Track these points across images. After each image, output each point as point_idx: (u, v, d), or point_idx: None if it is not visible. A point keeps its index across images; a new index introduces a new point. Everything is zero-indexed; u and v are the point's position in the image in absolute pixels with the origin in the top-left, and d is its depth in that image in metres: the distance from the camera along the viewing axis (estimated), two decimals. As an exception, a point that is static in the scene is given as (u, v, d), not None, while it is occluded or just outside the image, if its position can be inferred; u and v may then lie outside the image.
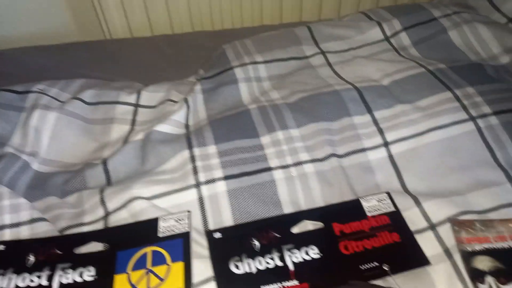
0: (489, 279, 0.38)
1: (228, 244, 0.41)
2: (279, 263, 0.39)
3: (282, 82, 0.60)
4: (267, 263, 0.39)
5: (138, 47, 0.83)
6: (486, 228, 0.41)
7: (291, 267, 0.39)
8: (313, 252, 0.40)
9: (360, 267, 0.39)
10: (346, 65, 0.62)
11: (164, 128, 0.52)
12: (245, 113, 0.53)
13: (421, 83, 0.55)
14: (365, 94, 0.54)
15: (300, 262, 0.39)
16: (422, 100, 0.53)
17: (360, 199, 0.44)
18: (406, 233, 0.42)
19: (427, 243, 0.41)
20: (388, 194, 0.45)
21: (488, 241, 0.40)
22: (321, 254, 0.40)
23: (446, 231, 0.42)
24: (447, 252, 0.41)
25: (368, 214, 0.43)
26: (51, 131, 0.55)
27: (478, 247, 0.40)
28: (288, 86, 0.58)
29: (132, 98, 0.61)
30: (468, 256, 0.39)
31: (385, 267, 0.39)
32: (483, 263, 0.39)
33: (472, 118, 0.50)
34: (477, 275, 0.38)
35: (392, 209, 0.44)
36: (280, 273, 0.38)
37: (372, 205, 0.44)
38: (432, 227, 0.42)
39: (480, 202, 0.44)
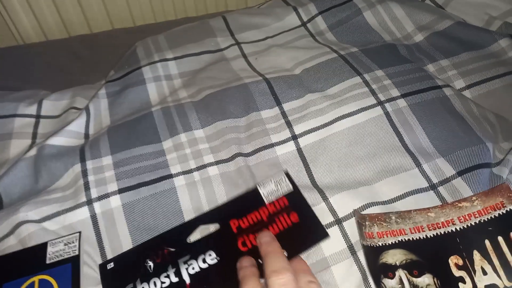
0: (400, 272, 0.36)
1: (121, 272, 0.38)
2: (175, 279, 0.36)
3: (193, 79, 0.56)
4: (163, 282, 0.36)
5: (52, 50, 0.78)
6: (403, 220, 0.40)
7: (187, 280, 0.36)
8: (210, 258, 0.37)
9: (259, 260, 0.36)
10: (261, 55, 0.59)
11: (57, 141, 0.48)
12: (147, 116, 0.50)
13: (332, 70, 0.53)
14: (275, 85, 0.52)
15: (197, 273, 0.36)
16: (332, 88, 0.51)
17: (258, 186, 0.41)
18: (304, 209, 0.39)
19: (333, 240, 0.40)
20: (286, 173, 0.41)
21: (404, 233, 0.39)
22: (218, 258, 0.37)
23: (351, 226, 0.41)
24: (351, 248, 0.39)
25: (267, 200, 0.40)
26: None
27: (391, 240, 0.38)
28: (198, 83, 0.55)
29: (32, 109, 0.56)
30: (376, 252, 0.38)
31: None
32: (394, 256, 0.37)
33: (380, 103, 0.48)
34: (385, 270, 0.37)
35: (290, 188, 0.40)
36: None
37: (270, 190, 0.40)
38: (338, 221, 0.41)
39: (386, 191, 0.42)
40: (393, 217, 0.40)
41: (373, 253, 0.38)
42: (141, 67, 0.58)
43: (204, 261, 0.37)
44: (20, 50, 0.80)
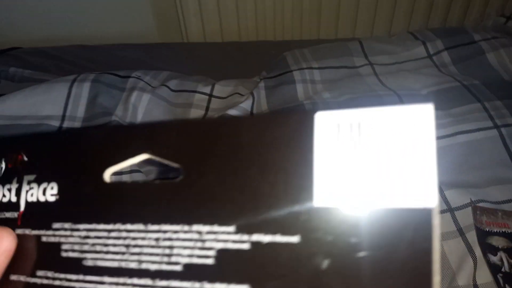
0: (502, 254, 0.46)
1: None
2: (14, 198, 0.24)
3: (333, 85, 0.71)
4: (4, 195, 0.24)
5: (211, 50, 0.98)
6: (508, 217, 0.49)
7: (22, 207, 0.24)
8: (51, 193, 0.22)
9: None
10: (390, 76, 0.72)
11: (233, 112, 0.65)
12: (301, 106, 0.65)
13: (455, 95, 0.63)
14: (405, 99, 0.64)
15: (33, 203, 0.23)
16: (454, 109, 0.61)
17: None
18: None
19: (445, 222, 0.50)
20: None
21: (507, 226, 0.48)
22: (58, 196, 0.22)
23: (461, 215, 0.50)
24: (460, 231, 0.49)
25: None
26: (144, 109, 0.69)
27: (496, 229, 0.48)
28: (338, 89, 0.69)
29: (207, 89, 0.74)
30: (484, 234, 0.48)
31: None
32: (498, 241, 0.47)
33: (497, 127, 0.58)
34: (490, 249, 0.46)
35: None
36: (7, 216, 0.24)
37: None
38: (451, 210, 0.51)
39: (495, 195, 0.52)
40: (500, 213, 0.49)
41: (481, 234, 0.47)
42: (292, 71, 0.74)
43: (44, 192, 0.23)
44: (185, 46, 1.01)
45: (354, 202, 0.14)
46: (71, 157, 0.21)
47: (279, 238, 0.15)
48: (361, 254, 0.13)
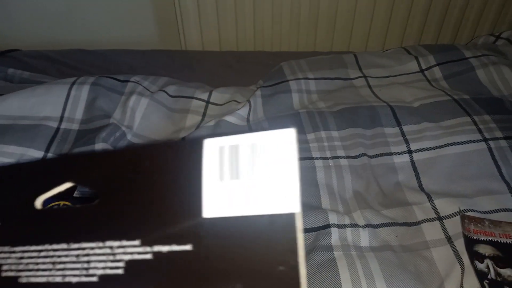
0: (488, 261, 0.47)
1: None
2: None
3: (328, 95, 0.72)
4: None
5: (209, 59, 1.00)
6: (494, 226, 0.51)
7: None
8: None
9: None
10: (384, 88, 0.74)
11: (230, 119, 0.66)
12: (296, 115, 0.66)
13: (446, 108, 0.66)
14: (397, 111, 0.66)
15: None
16: (445, 121, 0.63)
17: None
18: None
19: (433, 230, 0.51)
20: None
21: (493, 235, 0.50)
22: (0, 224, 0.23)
23: (450, 223, 0.52)
24: (449, 239, 0.50)
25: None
26: (142, 112, 0.70)
27: (483, 237, 0.49)
28: (333, 99, 0.71)
29: (205, 96, 0.76)
30: (471, 242, 0.49)
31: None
32: (484, 249, 0.48)
33: (485, 140, 0.60)
34: (477, 256, 0.48)
35: None
36: None
37: None
38: (440, 218, 0.52)
39: (483, 205, 0.53)
40: (487, 222, 0.51)
41: (469, 242, 0.49)
42: (288, 80, 0.76)
43: None
44: (184, 54, 1.03)
45: (234, 211, 0.16)
46: (10, 189, 0.23)
47: (175, 248, 0.17)
48: (244, 255, 0.16)
